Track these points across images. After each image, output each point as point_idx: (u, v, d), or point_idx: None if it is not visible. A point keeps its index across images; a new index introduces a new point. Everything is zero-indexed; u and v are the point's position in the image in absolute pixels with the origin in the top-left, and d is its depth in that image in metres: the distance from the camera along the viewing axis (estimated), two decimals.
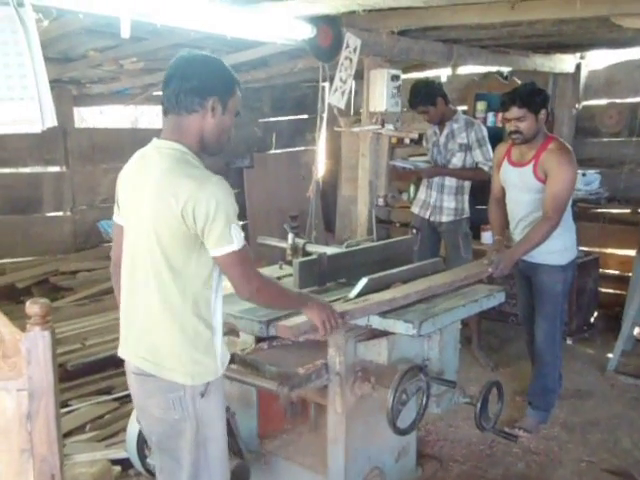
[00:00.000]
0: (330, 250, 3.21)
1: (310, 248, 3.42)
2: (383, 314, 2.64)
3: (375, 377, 2.73)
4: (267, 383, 2.63)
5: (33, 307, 2.06)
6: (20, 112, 2.42)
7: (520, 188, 3.61)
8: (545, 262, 3.61)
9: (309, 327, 2.43)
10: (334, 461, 2.84)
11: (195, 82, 2.04)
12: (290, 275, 3.31)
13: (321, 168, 8.49)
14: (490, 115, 6.52)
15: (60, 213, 6.39)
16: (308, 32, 3.46)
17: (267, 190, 7.63)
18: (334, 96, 3.89)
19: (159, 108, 7.35)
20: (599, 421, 4.02)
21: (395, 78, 4.06)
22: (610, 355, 4.93)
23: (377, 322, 2.65)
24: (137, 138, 6.91)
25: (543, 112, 3.47)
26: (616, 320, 5.58)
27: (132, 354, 2.23)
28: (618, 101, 6.07)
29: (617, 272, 6.05)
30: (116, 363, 4.51)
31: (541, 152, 3.49)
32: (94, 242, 6.43)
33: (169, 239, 2.04)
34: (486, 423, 2.89)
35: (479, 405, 2.81)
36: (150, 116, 7.92)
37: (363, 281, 2.80)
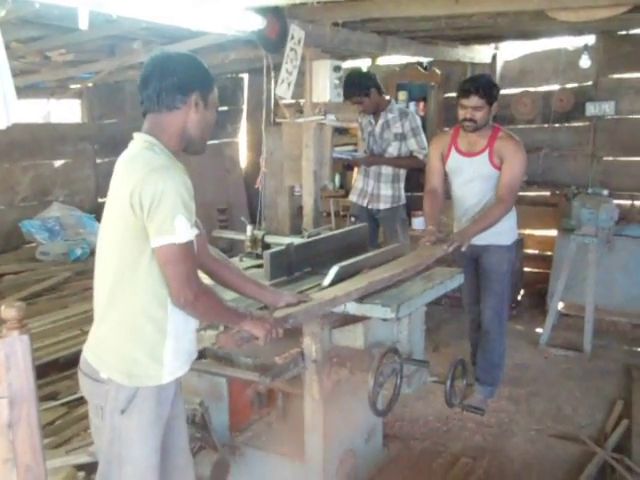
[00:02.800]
0: (295, 240, 3.23)
1: (269, 239, 3.44)
2: (359, 300, 2.70)
3: (351, 362, 2.80)
4: (248, 375, 2.64)
5: (9, 311, 2.00)
6: None
7: (472, 177, 3.74)
8: (493, 243, 3.79)
9: (249, 336, 2.29)
10: (312, 447, 2.89)
11: (175, 79, 2.04)
12: (252, 267, 3.32)
13: (243, 161, 8.51)
14: (411, 105, 6.72)
15: None
16: (258, 23, 3.45)
17: (192, 184, 7.52)
18: (280, 87, 3.90)
19: (74, 102, 7.10)
20: (540, 392, 4.28)
21: (337, 69, 4.11)
22: (538, 330, 5.25)
23: (354, 308, 2.70)
24: (55, 133, 6.73)
25: (495, 105, 3.63)
26: (539, 297, 5.94)
27: (86, 346, 2.19)
28: (531, 90, 6.40)
29: (536, 252, 6.41)
30: (59, 367, 4.38)
31: (493, 140, 3.66)
32: (16, 243, 6.14)
33: (121, 229, 2.02)
34: (454, 399, 3.02)
35: (449, 383, 2.93)
36: (63, 110, 7.59)
37: (334, 269, 2.84)
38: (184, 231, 1.93)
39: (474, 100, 3.55)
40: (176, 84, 2.04)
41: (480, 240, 3.75)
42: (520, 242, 5.90)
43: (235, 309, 2.28)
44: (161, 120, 2.07)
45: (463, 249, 3.59)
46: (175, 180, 1.94)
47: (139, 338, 2.07)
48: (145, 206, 1.92)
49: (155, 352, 2.07)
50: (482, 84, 3.59)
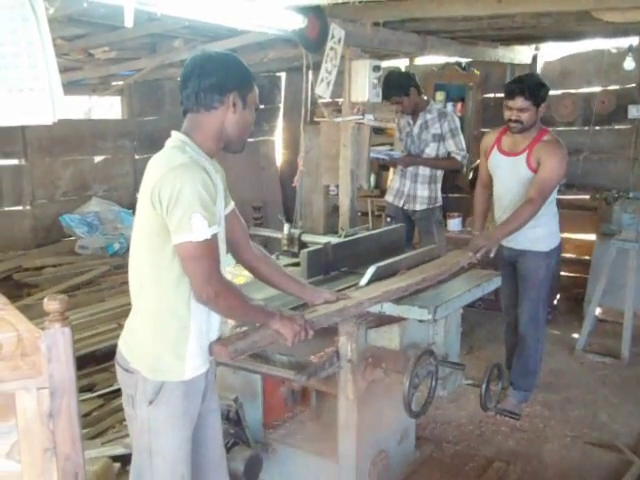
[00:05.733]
0: (331, 240, 3.24)
1: (306, 238, 3.45)
2: (397, 300, 2.69)
3: (386, 363, 2.79)
4: (284, 373, 2.65)
5: (52, 303, 2.01)
6: (30, 103, 2.36)
7: (510, 177, 3.68)
8: (530, 248, 3.73)
9: (249, 345, 2.18)
10: (345, 446, 2.88)
11: (214, 79, 2.05)
12: (289, 265, 3.33)
13: (279, 159, 8.54)
14: (449, 105, 6.67)
15: (20, 207, 6.21)
16: (299, 22, 3.46)
17: (227, 181, 7.57)
18: (320, 86, 3.91)
19: (115, 99, 7.21)
20: (575, 398, 4.21)
21: (376, 69, 4.11)
22: (574, 335, 5.16)
23: (391, 309, 2.70)
24: (96, 129, 6.84)
25: (543, 105, 3.54)
26: (575, 301, 5.85)
27: (121, 337, 2.23)
28: (572, 91, 6.30)
29: (574, 256, 6.31)
30: (96, 359, 4.45)
31: (535, 143, 3.57)
32: (55, 237, 6.27)
33: (146, 225, 2.05)
34: (489, 403, 2.99)
35: (484, 386, 2.90)
36: (104, 107, 7.72)
37: (372, 269, 2.84)
38: (201, 229, 1.93)
39: (519, 101, 3.47)
40: (214, 84, 2.04)
41: (517, 244, 3.73)
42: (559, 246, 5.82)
43: (262, 307, 2.23)
44: (199, 120, 2.09)
45: (492, 255, 3.51)
46: (193, 178, 1.94)
47: (162, 334, 2.09)
48: (164, 203, 1.94)
49: (178, 349, 2.08)
50: (529, 85, 3.49)
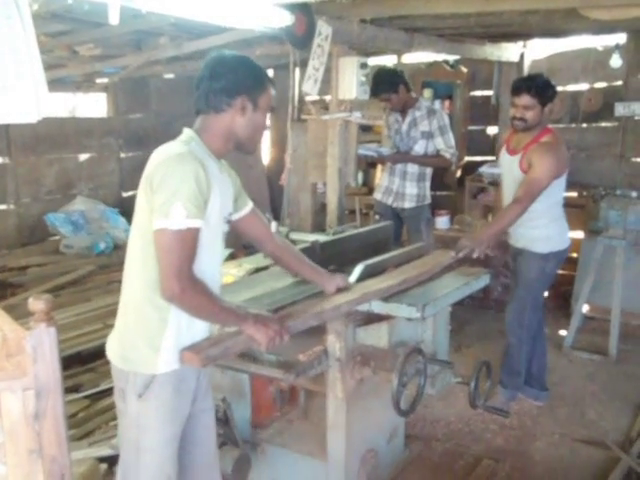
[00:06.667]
0: (320, 238, 3.22)
1: (294, 236, 3.43)
2: (385, 298, 2.68)
3: (374, 361, 2.78)
4: (272, 372, 2.63)
5: (37, 303, 1.98)
6: (14, 102, 2.32)
7: (507, 176, 3.72)
8: (526, 248, 3.73)
9: (222, 352, 2.11)
10: (334, 445, 2.87)
11: (224, 82, 2.07)
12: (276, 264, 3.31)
13: (266, 156, 8.52)
14: (437, 102, 6.68)
15: (4, 206, 6.15)
16: (286, 19, 3.44)
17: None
18: (307, 84, 3.89)
19: (100, 96, 7.15)
20: (564, 396, 4.21)
21: (363, 66, 4.09)
22: (562, 332, 5.17)
23: (379, 307, 2.68)
24: (81, 127, 6.79)
25: (549, 106, 3.54)
26: (563, 299, 5.85)
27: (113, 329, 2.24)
28: (559, 89, 6.28)
29: None
30: (82, 360, 4.42)
31: (532, 143, 3.55)
32: (40, 236, 6.21)
33: (139, 211, 2.06)
34: (478, 401, 2.98)
35: (473, 384, 2.90)
36: (88, 104, 7.65)
37: (360, 267, 2.83)
38: (178, 218, 1.91)
39: (525, 99, 3.47)
40: (224, 87, 2.06)
41: (516, 242, 3.78)
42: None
43: (233, 310, 2.16)
44: (209, 121, 2.11)
45: (475, 255, 3.39)
46: (186, 168, 1.94)
47: (142, 323, 2.08)
48: (153, 188, 1.96)
49: (154, 340, 2.06)
50: (536, 83, 3.50)
